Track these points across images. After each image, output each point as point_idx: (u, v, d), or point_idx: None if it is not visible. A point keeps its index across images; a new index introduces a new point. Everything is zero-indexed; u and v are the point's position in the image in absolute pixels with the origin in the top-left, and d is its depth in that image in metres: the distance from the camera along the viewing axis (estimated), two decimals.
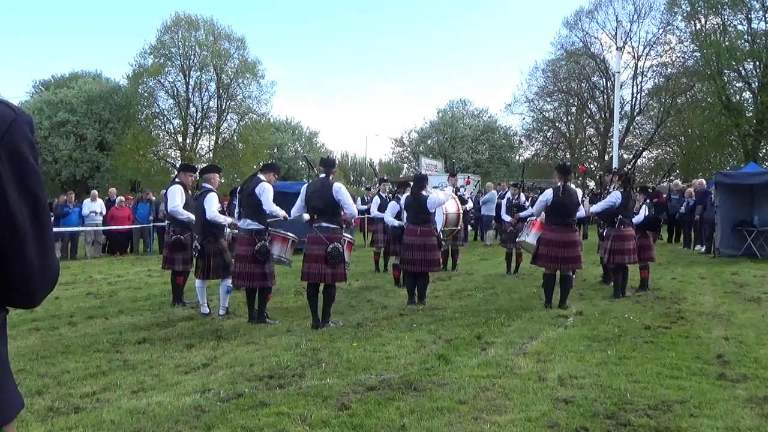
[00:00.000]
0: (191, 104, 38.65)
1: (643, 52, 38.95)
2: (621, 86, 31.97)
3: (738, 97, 33.31)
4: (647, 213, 10.26)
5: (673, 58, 37.11)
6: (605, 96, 40.72)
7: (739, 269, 12.66)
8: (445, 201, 9.52)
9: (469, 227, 18.22)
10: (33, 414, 4.36)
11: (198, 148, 39.72)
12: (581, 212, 8.86)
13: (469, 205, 14.04)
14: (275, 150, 47.51)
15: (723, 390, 4.84)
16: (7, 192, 1.37)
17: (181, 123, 39.09)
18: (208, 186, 8.34)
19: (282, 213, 7.59)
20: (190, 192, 9.17)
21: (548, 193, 8.70)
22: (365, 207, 16.91)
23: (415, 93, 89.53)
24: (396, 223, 9.98)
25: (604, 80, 40.60)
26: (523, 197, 12.54)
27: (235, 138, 40.04)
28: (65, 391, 4.94)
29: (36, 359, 5.95)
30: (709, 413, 4.31)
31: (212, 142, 40.09)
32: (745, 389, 4.86)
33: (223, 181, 9.00)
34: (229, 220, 8.43)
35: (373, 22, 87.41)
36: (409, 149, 51.41)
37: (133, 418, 4.28)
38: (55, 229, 15.16)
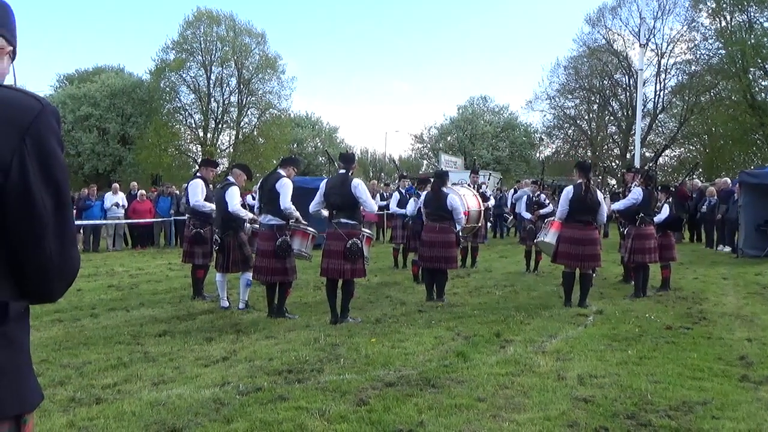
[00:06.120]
0: (212, 99, 38.96)
1: (666, 49, 38.54)
2: (644, 84, 31.57)
3: (763, 95, 32.81)
4: (669, 212, 10.13)
5: (698, 56, 36.65)
6: (627, 93, 40.29)
7: (762, 270, 12.44)
8: (462, 212, 9.38)
9: (489, 224, 18.11)
10: (55, 404, 4.42)
11: (219, 143, 40.08)
12: (604, 214, 8.76)
13: (491, 202, 13.97)
14: (295, 145, 47.73)
15: (746, 392, 4.78)
16: (32, 182, 1.36)
17: (202, 118, 39.43)
18: (232, 179, 8.37)
19: (296, 214, 7.56)
20: (210, 186, 9.22)
21: (569, 191, 8.61)
22: (384, 203, 16.94)
23: (433, 90, 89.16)
24: (401, 211, 10.08)
25: (626, 77, 40.18)
26: (543, 195, 12.47)
27: (255, 133, 40.28)
28: (87, 382, 5.00)
29: (58, 350, 6.03)
30: (732, 415, 4.26)
31: (233, 137, 40.43)
32: None
33: (245, 183, 9.01)
34: (250, 215, 8.44)
35: (385, 20, 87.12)
36: (428, 145, 51.35)
37: (154, 410, 4.32)
38: (77, 222, 15.32)
